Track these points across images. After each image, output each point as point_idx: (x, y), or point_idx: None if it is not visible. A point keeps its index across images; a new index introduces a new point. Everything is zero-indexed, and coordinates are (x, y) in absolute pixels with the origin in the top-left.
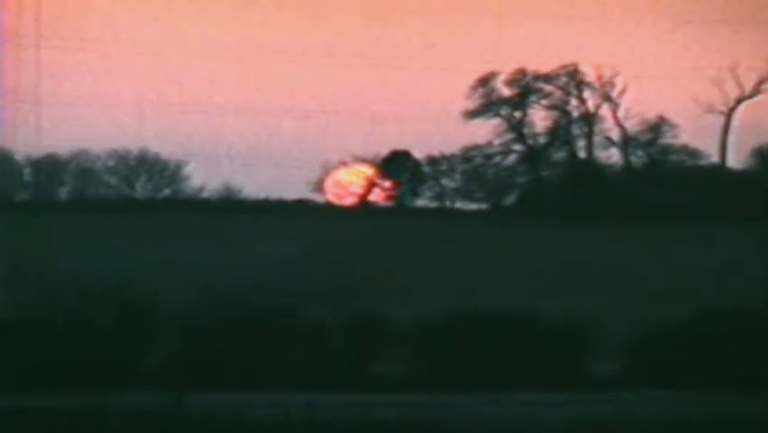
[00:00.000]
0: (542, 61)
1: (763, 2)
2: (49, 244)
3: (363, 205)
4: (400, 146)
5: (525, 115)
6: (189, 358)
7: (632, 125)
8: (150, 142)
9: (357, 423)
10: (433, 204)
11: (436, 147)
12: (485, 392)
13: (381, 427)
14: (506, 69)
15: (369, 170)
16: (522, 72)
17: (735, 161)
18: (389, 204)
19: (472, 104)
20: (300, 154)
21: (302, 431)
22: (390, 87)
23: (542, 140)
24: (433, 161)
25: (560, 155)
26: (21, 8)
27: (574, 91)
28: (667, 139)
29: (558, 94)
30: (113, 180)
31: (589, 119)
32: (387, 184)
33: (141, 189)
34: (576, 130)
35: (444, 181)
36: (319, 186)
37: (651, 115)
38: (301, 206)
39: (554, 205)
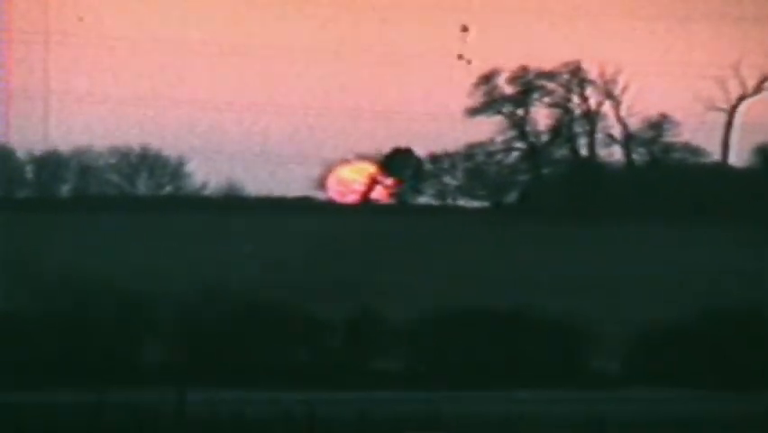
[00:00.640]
0: (544, 59)
1: (766, 0)
2: (50, 242)
3: (365, 202)
4: (402, 144)
5: (527, 112)
6: (190, 355)
7: (634, 123)
8: (152, 139)
9: (356, 419)
10: (434, 201)
11: (438, 145)
12: (484, 390)
13: (381, 423)
14: (508, 66)
15: (371, 168)
16: (524, 70)
17: (737, 158)
18: (391, 201)
19: (474, 101)
20: (302, 151)
21: (301, 427)
22: (392, 84)
23: (544, 137)
24: (435, 158)
25: (562, 153)
26: (24, 6)
27: (576, 89)
28: (669, 137)
29: (560, 91)
30: (114, 178)
31: (591, 117)
32: (389, 181)
33: (142, 187)
34: (578, 128)
35: (446, 179)
36: (321, 183)
37: (653, 112)
38: (303, 203)
39: (556, 202)
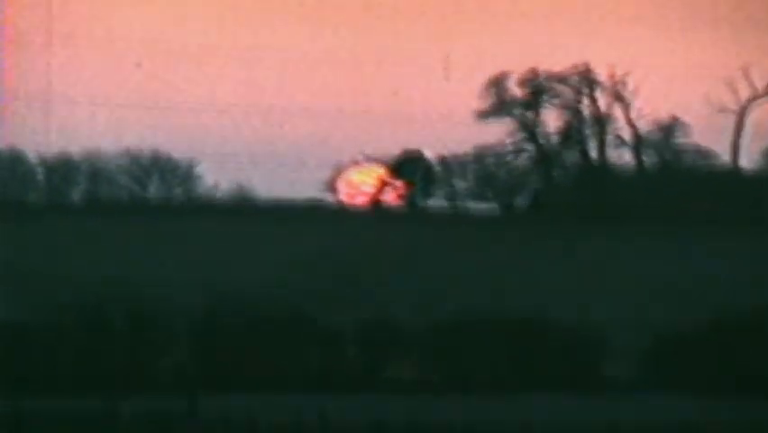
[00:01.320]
0: (554, 61)
1: None
2: (61, 246)
3: (375, 205)
4: (412, 146)
5: (537, 115)
6: (202, 361)
7: (644, 126)
8: (163, 142)
9: (369, 426)
10: (444, 204)
11: (448, 147)
12: (497, 395)
13: (393, 430)
14: (518, 69)
15: (380, 170)
16: (534, 72)
17: (747, 161)
18: (401, 204)
19: (484, 104)
20: (312, 154)
21: None
22: (402, 87)
23: (554, 140)
24: (445, 161)
25: (572, 155)
26: (33, 8)
27: (586, 91)
28: (679, 139)
29: (570, 94)
30: (125, 181)
31: (601, 119)
32: (398, 184)
33: (153, 190)
34: (588, 130)
35: (456, 182)
36: (331, 186)
37: (663, 115)
38: (313, 206)
39: (566, 205)
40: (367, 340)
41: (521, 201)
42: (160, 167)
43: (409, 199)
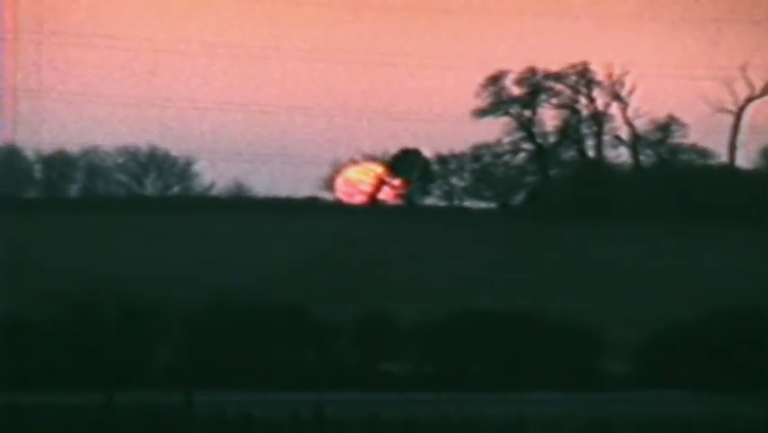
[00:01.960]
0: (551, 60)
1: None
2: (58, 242)
3: (373, 203)
4: (410, 144)
5: (534, 113)
6: (198, 357)
7: (641, 124)
8: (160, 139)
9: (365, 422)
10: (442, 202)
11: (446, 145)
12: (493, 391)
13: (389, 425)
14: (515, 67)
15: (378, 169)
16: (531, 71)
17: (744, 160)
18: (399, 202)
19: (482, 102)
20: (310, 152)
21: (310, 430)
22: (400, 85)
23: (551, 138)
24: (442, 159)
25: (569, 154)
26: (31, 5)
27: (584, 90)
28: (676, 138)
29: (567, 93)
30: (122, 178)
31: (598, 118)
32: (396, 182)
33: (150, 187)
34: (585, 129)
35: (454, 180)
36: (329, 184)
37: (660, 114)
38: (311, 203)
39: (563, 203)
40: (363, 336)
41: (518, 199)
42: (157, 164)
43: (407, 197)
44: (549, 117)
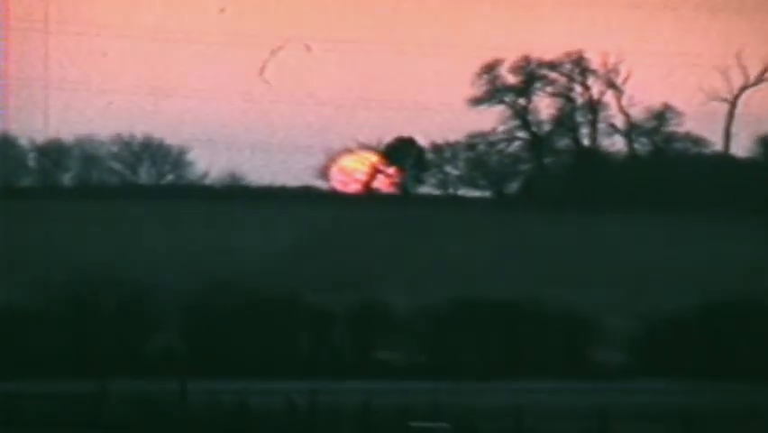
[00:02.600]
0: (546, 48)
1: None
2: (53, 231)
3: (367, 191)
4: (405, 133)
5: (529, 102)
6: (192, 344)
7: (636, 113)
8: (155, 128)
9: (360, 410)
10: (436, 191)
11: (440, 134)
12: (488, 380)
13: (383, 413)
14: (510, 56)
15: (373, 157)
16: (526, 59)
17: (739, 148)
18: (393, 191)
19: (477, 91)
20: (305, 141)
21: (305, 417)
22: (395, 74)
23: (546, 127)
24: (437, 148)
25: (564, 142)
26: None
27: (579, 78)
28: (671, 127)
29: (562, 81)
30: (117, 166)
31: (593, 106)
32: (391, 171)
33: (145, 175)
34: (580, 117)
35: (448, 168)
36: (324, 173)
37: (655, 102)
38: (305, 192)
39: (558, 192)
40: (358, 325)
41: (513, 188)
42: (151, 152)
43: (402, 186)
44: (544, 106)
